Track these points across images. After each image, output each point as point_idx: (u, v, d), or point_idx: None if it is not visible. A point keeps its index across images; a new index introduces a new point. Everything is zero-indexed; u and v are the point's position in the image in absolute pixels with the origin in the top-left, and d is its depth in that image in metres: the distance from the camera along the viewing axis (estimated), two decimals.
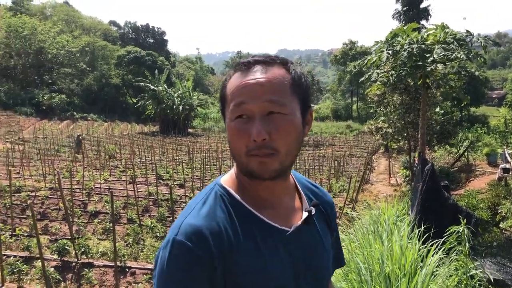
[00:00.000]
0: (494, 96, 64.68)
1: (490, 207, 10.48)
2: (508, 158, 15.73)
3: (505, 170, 13.87)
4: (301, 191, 1.21)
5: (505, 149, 17.92)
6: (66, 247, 7.04)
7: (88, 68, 50.48)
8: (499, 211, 10.21)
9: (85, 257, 7.10)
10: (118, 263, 6.32)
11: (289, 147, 1.03)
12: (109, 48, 54.01)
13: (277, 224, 1.07)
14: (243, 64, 1.07)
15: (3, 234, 7.83)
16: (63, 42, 47.42)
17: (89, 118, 44.83)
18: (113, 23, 73.93)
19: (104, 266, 6.83)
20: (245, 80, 1.03)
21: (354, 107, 57.89)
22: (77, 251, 7.05)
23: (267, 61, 1.07)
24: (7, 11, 55.20)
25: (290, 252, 1.07)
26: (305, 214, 1.13)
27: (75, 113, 44.25)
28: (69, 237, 7.59)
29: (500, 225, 9.45)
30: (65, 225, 9.33)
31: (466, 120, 41.22)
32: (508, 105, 35.98)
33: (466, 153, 20.14)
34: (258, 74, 1.03)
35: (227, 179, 1.14)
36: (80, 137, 25.01)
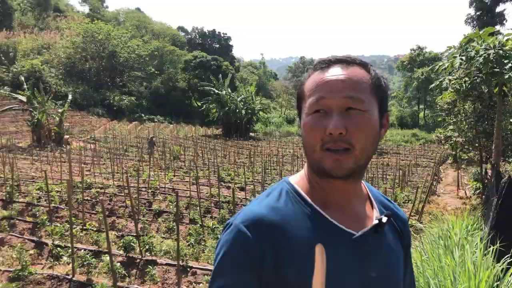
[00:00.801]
0: None
1: None
2: None
3: None
4: (373, 201, 1.17)
5: None
6: (132, 243, 7.29)
7: (156, 72, 52.46)
8: None
9: (149, 254, 7.32)
10: (180, 262, 6.45)
11: (364, 145, 1.02)
12: (177, 52, 55.84)
13: (344, 226, 1.04)
14: (323, 62, 1.08)
15: (75, 228, 8.25)
16: (134, 46, 49.66)
17: (155, 120, 46.54)
18: (181, 28, 76.39)
19: (167, 264, 6.99)
20: (324, 77, 1.04)
21: (421, 115, 55.77)
22: (141, 248, 7.28)
23: (347, 60, 1.07)
24: (85, 17, 58.76)
25: (354, 258, 1.03)
26: (374, 221, 1.08)
27: (142, 114, 46.14)
28: (135, 234, 7.86)
29: None
30: (131, 222, 9.68)
31: None
32: None
33: None
34: (338, 71, 1.04)
35: (296, 177, 1.14)
36: (154, 139, 25.91)
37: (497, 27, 37.51)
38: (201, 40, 70.39)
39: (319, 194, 1.08)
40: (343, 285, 1.00)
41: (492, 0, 40.11)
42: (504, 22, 40.49)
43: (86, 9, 75.11)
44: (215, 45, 69.78)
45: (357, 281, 1.01)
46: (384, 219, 1.09)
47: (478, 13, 40.75)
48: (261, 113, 46.24)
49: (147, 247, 7.32)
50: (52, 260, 7.14)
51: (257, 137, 44.61)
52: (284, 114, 58.03)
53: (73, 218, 9.30)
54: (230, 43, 71.19)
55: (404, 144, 41.72)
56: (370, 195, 1.19)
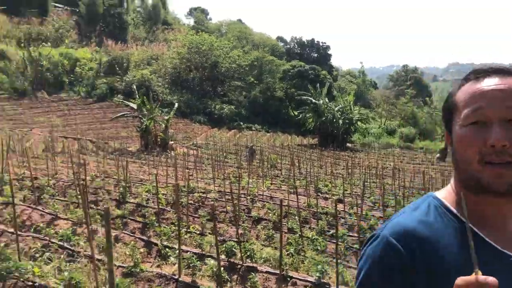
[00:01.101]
0: None
1: None
2: None
3: None
4: None
5: None
6: (233, 249, 7.42)
7: (255, 82, 53.74)
8: None
9: (249, 261, 7.40)
10: (281, 271, 6.42)
11: None
12: (276, 62, 56.73)
13: (499, 246, 0.96)
14: (478, 72, 1.01)
15: (180, 230, 8.61)
16: (235, 57, 51.40)
17: (253, 128, 47.61)
18: (280, 38, 77.55)
19: (267, 272, 7.01)
20: (481, 87, 0.98)
21: None
22: (242, 254, 7.37)
23: (504, 70, 0.99)
24: (190, 29, 62.22)
25: (509, 282, 0.93)
26: None
27: (241, 123, 47.48)
28: (236, 240, 8.00)
29: None
30: (231, 228, 9.90)
31: None
32: None
33: None
34: (496, 81, 0.97)
35: (443, 193, 1.07)
36: (253, 148, 26.53)
37: None
38: (299, 50, 70.80)
39: (470, 211, 0.97)
40: None
41: None
42: None
43: (191, 21, 79.57)
44: (314, 54, 69.75)
45: None
46: None
47: None
48: (359, 123, 45.15)
49: (248, 253, 7.40)
50: (159, 259, 7.52)
51: (355, 148, 43.61)
52: (384, 124, 56.03)
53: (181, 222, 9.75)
54: (329, 52, 70.70)
55: None
56: None
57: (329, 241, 9.29)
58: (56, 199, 10.93)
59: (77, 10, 58.47)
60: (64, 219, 9.21)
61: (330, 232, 10.00)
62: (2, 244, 6.67)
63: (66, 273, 5.61)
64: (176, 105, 34.22)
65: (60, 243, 7.27)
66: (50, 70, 43.46)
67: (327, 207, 12.78)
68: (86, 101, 42.92)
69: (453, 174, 1.08)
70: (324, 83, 47.41)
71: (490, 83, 0.97)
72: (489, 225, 1.00)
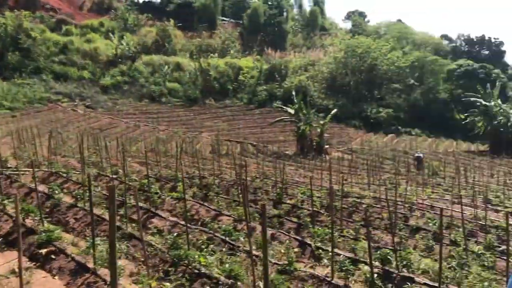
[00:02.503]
0: None
1: None
2: None
3: None
4: None
5: None
6: (389, 257, 7.16)
7: (416, 83, 50.92)
8: None
9: (405, 270, 7.05)
10: (441, 285, 5.99)
11: None
12: (439, 62, 52.96)
13: None
14: None
15: (334, 233, 8.63)
16: (393, 58, 49.44)
17: (413, 133, 45.14)
18: (444, 36, 72.25)
19: (425, 284, 6.59)
20: None
21: None
22: (398, 263, 7.07)
23: None
24: (347, 33, 61.88)
25: None
26: None
27: (399, 127, 45.40)
28: (391, 247, 7.70)
29: None
30: (387, 235, 9.55)
31: None
32: None
33: None
34: None
35: None
36: (421, 156, 25.41)
37: None
38: (467, 48, 64.97)
39: None
40: None
41: None
42: None
43: (348, 25, 78.97)
44: (484, 51, 63.29)
45: None
46: None
47: None
48: None
49: (404, 262, 7.07)
50: (313, 260, 7.64)
51: None
52: None
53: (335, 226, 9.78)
54: (502, 48, 63.39)
55: None
56: None
57: (498, 257, 8.33)
58: (220, 196, 11.87)
59: (241, 22, 62.83)
60: (227, 215, 9.97)
61: (501, 248, 8.96)
62: (175, 234, 7.53)
63: (227, 265, 6.08)
64: (334, 110, 34.32)
65: (222, 237, 7.90)
66: (217, 79, 47.57)
67: (498, 220, 11.46)
68: (248, 107, 45.92)
69: None
70: (498, 83, 42.61)
71: None
72: None
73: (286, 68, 51.16)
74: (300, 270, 6.70)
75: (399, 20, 75.18)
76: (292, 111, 32.01)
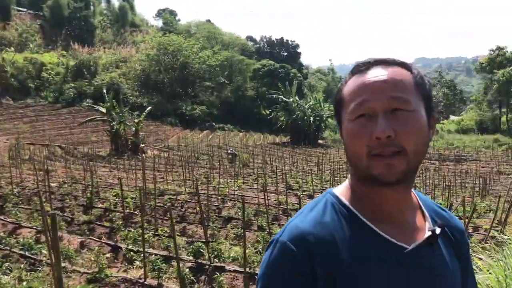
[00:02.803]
0: None
1: None
2: None
3: None
4: (425, 211, 1.08)
5: None
6: (201, 249, 7.40)
7: (226, 81, 53.62)
8: None
9: (217, 260, 7.39)
10: (247, 269, 6.44)
11: (416, 147, 0.94)
12: (246, 62, 56.72)
13: (394, 240, 0.97)
14: (362, 65, 1.02)
15: (147, 233, 8.54)
16: (204, 57, 51.12)
17: (226, 129, 47.50)
18: (249, 38, 77.54)
19: (235, 271, 7.02)
20: (365, 79, 0.98)
21: (504, 119, 52.15)
22: (210, 254, 7.36)
23: (387, 61, 1.01)
24: (158, 31, 61.60)
25: (408, 274, 0.95)
26: (427, 233, 1.01)
27: (213, 123, 47.30)
28: (204, 240, 7.98)
29: None
30: (201, 229, 9.86)
31: None
32: None
33: None
34: (379, 72, 0.98)
35: (341, 189, 1.07)
36: (234, 151, 26.64)
37: None
38: (269, 49, 70.93)
39: (367, 206, 1.01)
40: None
41: None
42: None
43: (159, 23, 78.70)
44: (283, 53, 70.00)
45: None
46: (438, 230, 1.01)
47: None
48: (329, 120, 45.62)
49: (215, 253, 7.40)
50: (126, 263, 7.43)
51: (326, 144, 44.05)
52: None
53: (146, 224, 9.66)
54: (298, 50, 71.07)
55: (485, 150, 39.19)
56: (421, 204, 1.10)
57: None
58: (20, 207, 10.67)
59: (41, 14, 57.06)
60: (28, 227, 9.01)
61: None
62: None
63: (25, 283, 5.49)
64: (149, 108, 33.84)
65: (21, 252, 7.10)
66: (15, 76, 42.33)
67: (297, 204, 12.85)
68: (54, 107, 41.97)
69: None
70: (295, 82, 47.71)
71: (373, 74, 0.98)
72: (386, 218, 1.00)
73: (96, 64, 48.44)
74: (111, 276, 6.45)
75: (208, 21, 78.06)
76: (104, 110, 30.44)
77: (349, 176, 1.08)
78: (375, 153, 0.92)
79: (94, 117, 32.65)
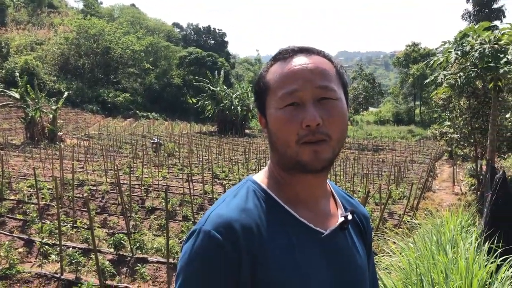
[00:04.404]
0: None
1: None
2: None
3: None
4: (337, 198, 1.15)
5: None
6: (122, 241, 7.18)
7: (151, 68, 52.18)
8: None
9: (140, 252, 7.22)
10: (171, 260, 6.35)
11: (340, 135, 0.99)
12: (172, 49, 55.56)
13: (312, 225, 1.00)
14: (285, 52, 1.03)
15: (65, 226, 8.13)
16: (128, 42, 49.32)
17: (150, 117, 46.31)
18: (176, 25, 76.09)
19: (158, 262, 6.89)
20: (292, 67, 0.99)
21: (417, 111, 55.83)
22: (132, 246, 7.17)
23: (309, 49, 1.03)
24: (79, 13, 58.38)
25: (326, 257, 0.99)
26: (341, 219, 1.05)
27: (137, 111, 45.90)
28: (126, 232, 7.75)
29: None
30: (123, 220, 9.56)
31: None
32: None
33: None
34: (304, 60, 0.99)
35: (261, 176, 1.07)
36: (160, 141, 25.96)
37: (496, 23, 37.55)
38: (196, 37, 70.08)
39: (286, 192, 1.03)
40: (316, 286, 0.96)
41: None
42: (502, 18, 40.53)
43: (80, 5, 74.62)
44: (211, 41, 69.50)
45: (328, 280, 0.98)
46: (350, 216, 1.06)
47: (476, 8, 40.81)
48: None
49: (138, 244, 7.22)
50: (41, 258, 7.02)
51: (253, 133, 44.48)
52: None
53: (64, 216, 9.19)
54: (226, 39, 70.92)
55: (400, 141, 41.73)
56: (333, 191, 1.15)
57: None
58: None
59: None
60: None
61: None
62: None
63: None
64: (66, 93, 32.05)
65: None
66: None
67: (223, 193, 12.87)
68: None
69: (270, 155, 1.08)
70: (222, 71, 47.56)
71: (298, 62, 0.98)
72: (303, 204, 1.02)
73: (8, 46, 44.92)
74: (24, 272, 6.06)
75: (133, 5, 75.34)
76: (17, 95, 28.34)
77: (268, 163, 1.08)
78: (304, 141, 0.94)
79: (6, 103, 30.32)
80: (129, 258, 6.95)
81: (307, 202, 1.03)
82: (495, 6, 40.85)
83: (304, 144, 0.94)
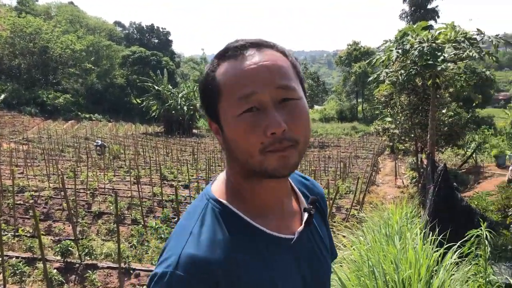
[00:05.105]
0: (500, 98, 64.39)
1: (500, 209, 10.26)
2: None
3: None
4: (296, 189, 1.07)
5: None
6: (70, 248, 6.91)
7: (93, 68, 50.49)
8: (510, 213, 10.01)
9: (88, 258, 6.97)
10: (122, 264, 6.18)
11: (306, 137, 0.90)
12: (114, 48, 54.04)
13: (282, 234, 0.94)
14: (235, 48, 0.89)
15: (6, 235, 7.72)
16: (67, 41, 47.43)
17: (93, 118, 44.82)
18: (118, 23, 74.13)
19: (108, 267, 6.69)
20: (246, 66, 0.86)
21: (360, 108, 57.70)
22: (80, 252, 6.92)
23: (260, 43, 0.91)
24: (12, 11, 55.43)
25: (298, 264, 0.96)
26: (305, 216, 0.99)
27: (79, 113, 44.26)
28: (73, 238, 7.46)
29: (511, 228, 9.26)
30: (69, 226, 9.21)
31: (472, 122, 40.95)
32: None
33: (474, 155, 19.92)
34: (259, 58, 0.87)
35: (220, 189, 0.97)
36: (103, 144, 25.05)
37: (431, 23, 39.62)
38: (139, 35, 68.54)
39: (250, 203, 0.94)
40: None
41: None
42: (437, 18, 42.88)
43: (13, 2, 70.81)
44: (154, 40, 68.24)
45: (300, 283, 0.95)
46: (313, 211, 1.00)
47: (412, 9, 42.96)
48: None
49: (86, 250, 6.97)
50: None
51: (201, 133, 44.16)
52: None
53: (4, 225, 8.71)
54: (170, 38, 69.89)
55: (344, 137, 42.96)
56: (293, 184, 1.07)
57: (173, 227, 9.25)
58: None
59: None
60: None
61: (176, 219, 9.99)
62: None
63: None
64: (3, 96, 30.36)
65: None
66: None
67: (173, 194, 12.71)
68: None
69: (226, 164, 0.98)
70: (166, 70, 46.83)
71: (253, 60, 0.87)
72: (269, 211, 0.96)
73: None
74: None
75: (71, 3, 72.51)
76: None
77: (225, 171, 0.99)
78: (271, 149, 0.85)
79: None
80: (77, 265, 6.70)
81: (273, 207, 0.96)
82: (429, 6, 43.13)
83: (269, 152, 0.85)
